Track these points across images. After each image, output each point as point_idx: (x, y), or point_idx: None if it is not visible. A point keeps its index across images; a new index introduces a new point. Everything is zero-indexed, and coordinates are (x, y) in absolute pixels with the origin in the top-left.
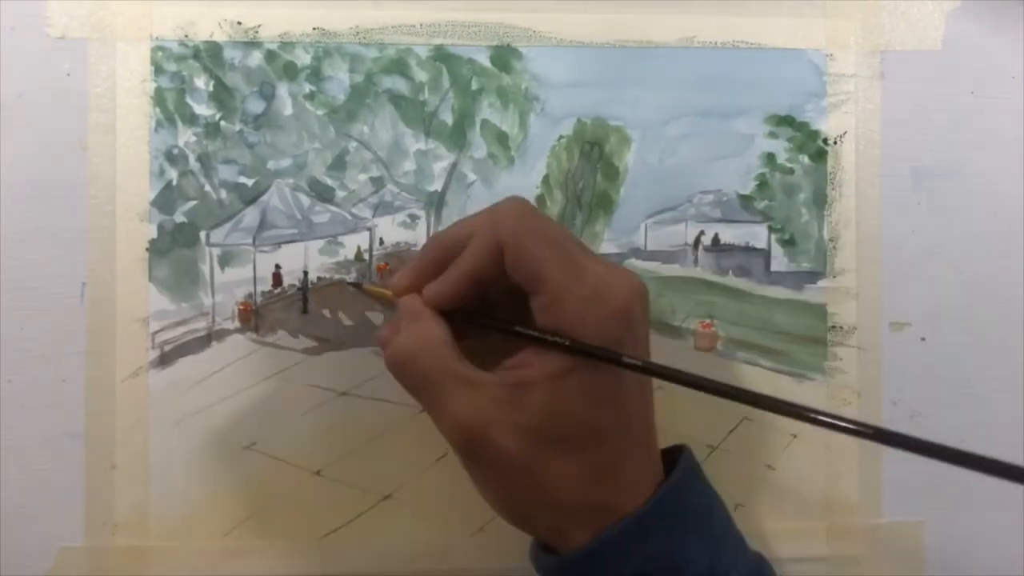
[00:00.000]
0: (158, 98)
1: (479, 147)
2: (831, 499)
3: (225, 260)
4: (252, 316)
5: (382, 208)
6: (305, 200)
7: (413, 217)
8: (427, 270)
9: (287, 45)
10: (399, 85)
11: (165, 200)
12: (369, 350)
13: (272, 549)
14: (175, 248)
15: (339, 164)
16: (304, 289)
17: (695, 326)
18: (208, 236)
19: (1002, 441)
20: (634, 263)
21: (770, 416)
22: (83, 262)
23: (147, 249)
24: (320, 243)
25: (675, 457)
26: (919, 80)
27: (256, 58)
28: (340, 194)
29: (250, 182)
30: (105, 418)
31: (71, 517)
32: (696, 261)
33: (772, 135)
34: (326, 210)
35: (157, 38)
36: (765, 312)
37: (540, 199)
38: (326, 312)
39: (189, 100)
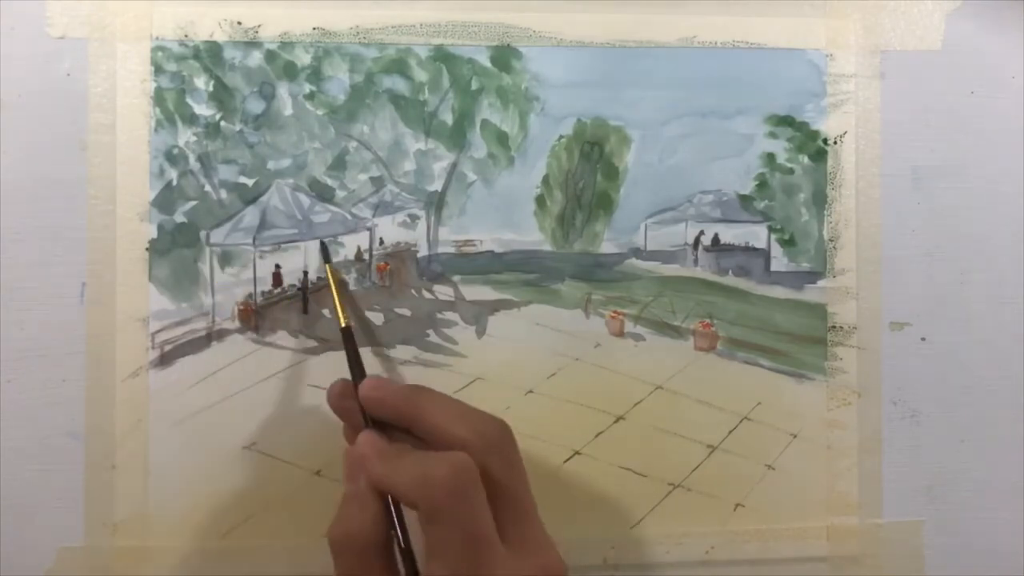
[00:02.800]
0: (158, 98)
1: (479, 147)
2: (831, 499)
3: (225, 260)
4: (252, 316)
5: (382, 208)
6: (305, 200)
7: (413, 217)
8: (397, 416)
9: (287, 45)
10: (399, 85)
11: (165, 200)
12: (369, 350)
13: (272, 549)
14: (175, 248)
15: (339, 164)
16: (304, 289)
17: (695, 326)
18: (208, 236)
19: (1002, 441)
20: (634, 263)
21: (770, 416)
22: (83, 262)
23: (147, 249)
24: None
25: None
26: (919, 80)
27: (256, 58)
28: (340, 194)
29: (250, 182)
30: (105, 418)
31: (71, 517)
32: (696, 261)
33: (772, 135)
34: (326, 210)
35: (157, 38)
36: (765, 312)
37: (540, 199)
38: (326, 312)
39: (189, 100)
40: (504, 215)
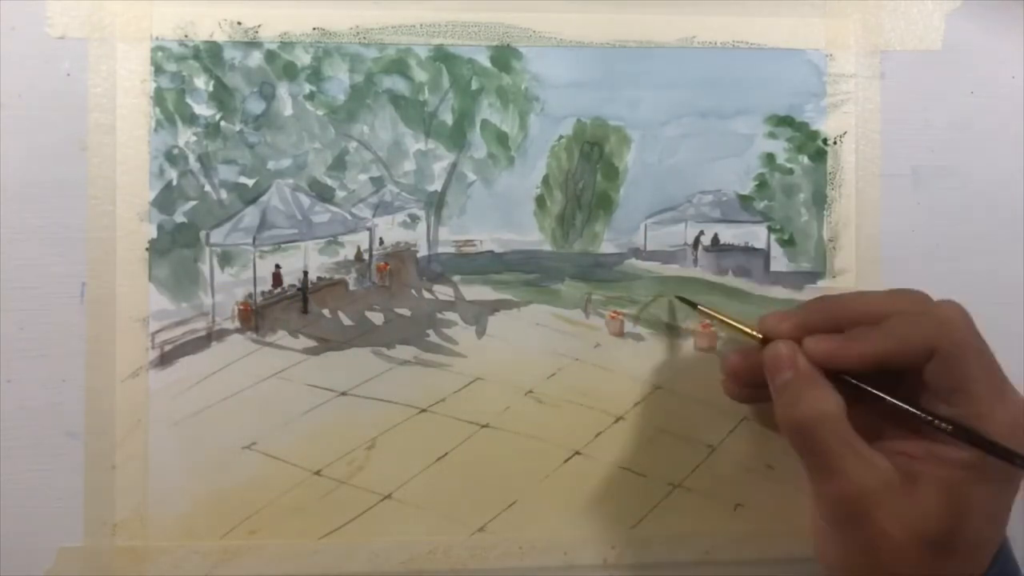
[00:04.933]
0: (158, 98)
1: (479, 147)
2: None
3: (225, 260)
4: (252, 316)
5: (382, 208)
6: (305, 200)
7: (413, 217)
8: (812, 326)
9: (287, 45)
10: (399, 85)
11: (165, 200)
12: (369, 350)
13: (272, 549)
14: (175, 248)
15: (339, 164)
16: (304, 289)
17: (695, 326)
18: (208, 236)
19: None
20: (634, 263)
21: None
22: (83, 262)
23: (147, 249)
24: (320, 243)
25: None
26: (919, 80)
27: (256, 58)
28: (340, 194)
29: (250, 182)
30: (105, 418)
31: (71, 517)
32: (696, 261)
33: (772, 135)
34: (326, 210)
35: (157, 38)
36: (765, 312)
37: (540, 199)
38: (326, 312)
39: (189, 100)
40: (504, 215)
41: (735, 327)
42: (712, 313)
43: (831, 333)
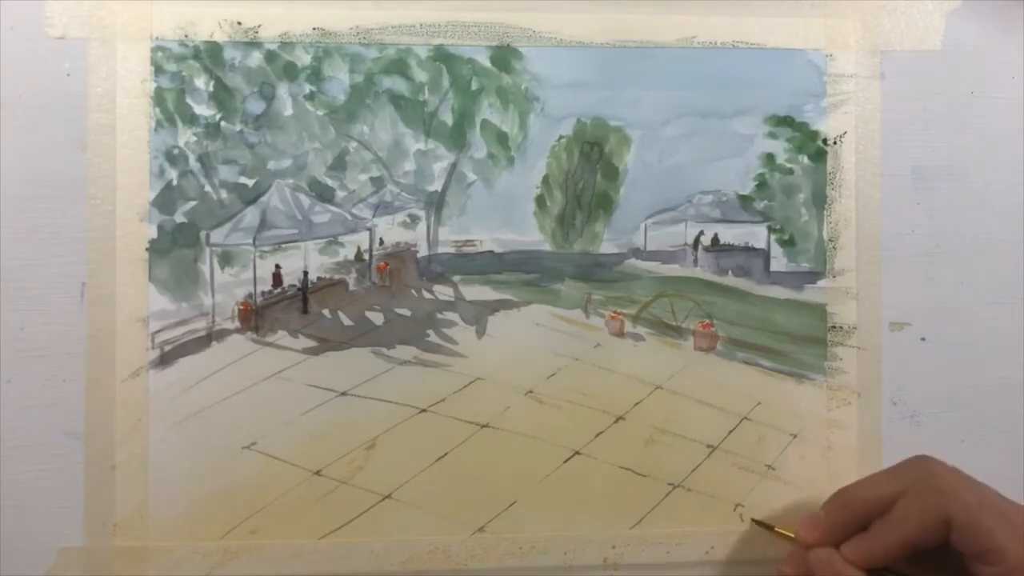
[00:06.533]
0: (158, 98)
1: (479, 147)
2: None
3: (225, 260)
4: (252, 316)
5: (382, 208)
6: (305, 200)
7: (413, 217)
8: (837, 525)
9: (287, 45)
10: (399, 85)
11: (165, 200)
12: (369, 350)
13: (272, 549)
14: (175, 248)
15: (339, 164)
16: (304, 289)
17: (695, 326)
18: (208, 236)
19: (1002, 441)
20: (634, 263)
21: (770, 416)
22: (83, 262)
23: (147, 249)
24: (320, 243)
25: None
26: (919, 80)
27: (256, 58)
28: (340, 194)
29: (250, 182)
30: (105, 418)
31: (71, 517)
32: (696, 261)
33: (772, 135)
34: (326, 210)
35: (157, 38)
36: (765, 312)
37: (540, 199)
38: (326, 312)
39: (189, 100)
40: (504, 215)
41: (782, 535)
42: (764, 524)
43: (858, 530)
